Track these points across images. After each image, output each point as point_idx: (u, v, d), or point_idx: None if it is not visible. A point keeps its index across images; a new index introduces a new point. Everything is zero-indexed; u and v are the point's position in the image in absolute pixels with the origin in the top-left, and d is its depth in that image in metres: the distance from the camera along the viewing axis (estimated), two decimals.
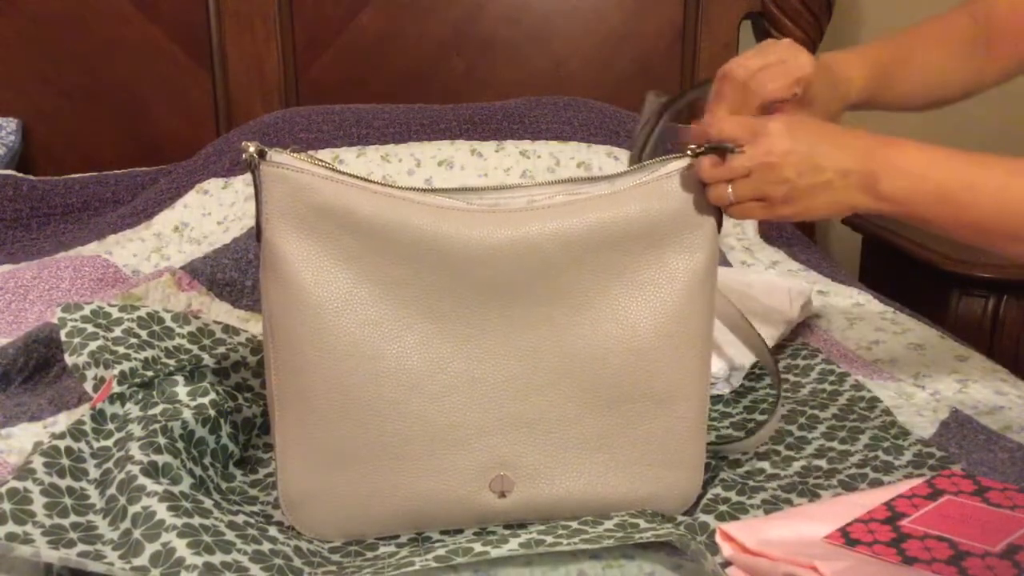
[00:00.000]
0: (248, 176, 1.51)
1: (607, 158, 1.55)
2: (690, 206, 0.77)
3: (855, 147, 0.79)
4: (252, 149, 0.72)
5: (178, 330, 0.97)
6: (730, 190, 0.78)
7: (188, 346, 0.96)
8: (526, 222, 0.74)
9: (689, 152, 0.78)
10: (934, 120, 1.97)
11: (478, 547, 0.70)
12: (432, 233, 0.72)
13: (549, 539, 0.71)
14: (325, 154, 1.52)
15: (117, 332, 0.93)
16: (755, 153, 0.77)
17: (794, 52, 0.86)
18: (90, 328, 0.93)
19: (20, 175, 1.58)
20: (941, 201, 0.80)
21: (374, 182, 0.74)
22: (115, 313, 0.95)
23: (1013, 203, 0.79)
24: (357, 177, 0.74)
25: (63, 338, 0.92)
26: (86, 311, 0.95)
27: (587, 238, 0.74)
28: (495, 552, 0.69)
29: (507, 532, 0.74)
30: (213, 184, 1.51)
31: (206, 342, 0.98)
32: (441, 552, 0.70)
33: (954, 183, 0.80)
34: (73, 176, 1.62)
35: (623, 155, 1.57)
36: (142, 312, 0.96)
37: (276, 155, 0.73)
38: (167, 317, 0.98)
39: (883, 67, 0.97)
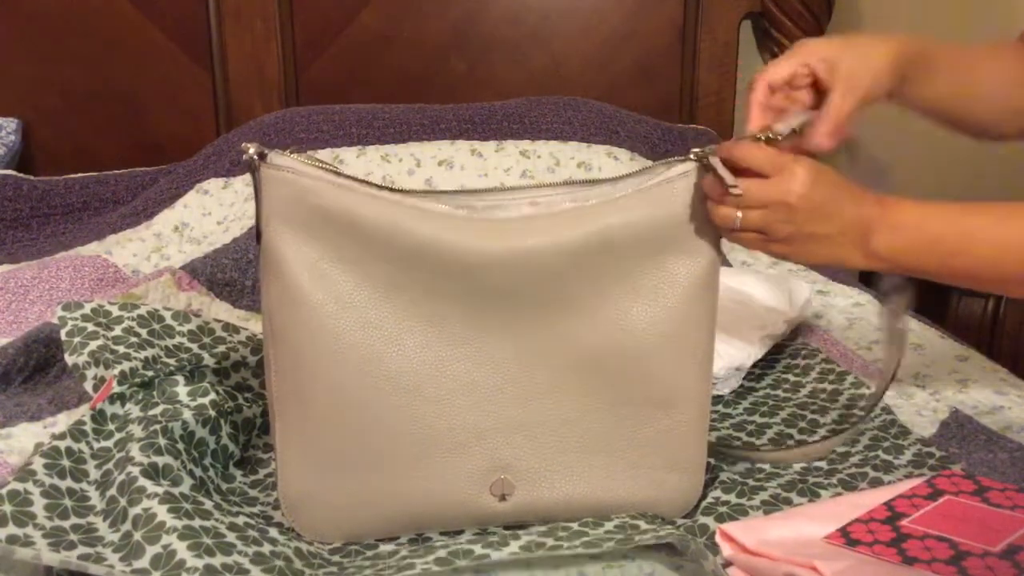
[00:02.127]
0: (248, 176, 1.50)
1: (607, 158, 1.55)
2: (693, 211, 0.76)
3: (857, 206, 0.80)
4: (252, 151, 0.72)
5: (178, 328, 0.97)
6: (739, 215, 0.78)
7: (188, 344, 0.96)
8: (527, 234, 0.73)
9: (692, 156, 0.77)
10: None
11: (478, 549, 0.70)
12: (432, 241, 0.72)
13: (549, 541, 0.71)
14: (325, 154, 1.51)
15: (117, 331, 0.93)
16: (775, 189, 0.77)
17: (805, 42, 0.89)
18: (90, 327, 0.92)
19: (20, 175, 1.58)
20: (936, 254, 0.81)
21: (375, 185, 0.74)
22: (115, 312, 0.95)
23: (1008, 248, 0.81)
24: (358, 180, 0.73)
25: (63, 337, 0.92)
26: (86, 310, 0.95)
27: (588, 247, 0.74)
28: (495, 555, 0.69)
29: (507, 533, 0.74)
30: (213, 184, 1.51)
31: (206, 340, 0.98)
32: (442, 554, 0.70)
33: (949, 234, 0.81)
34: (73, 176, 1.62)
35: (623, 155, 1.57)
36: (142, 311, 0.96)
37: (276, 157, 0.72)
38: (167, 315, 0.98)
39: (917, 49, 0.92)
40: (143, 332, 0.94)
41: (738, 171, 0.78)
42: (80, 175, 1.63)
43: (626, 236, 0.74)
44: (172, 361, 0.91)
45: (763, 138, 0.81)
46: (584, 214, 0.74)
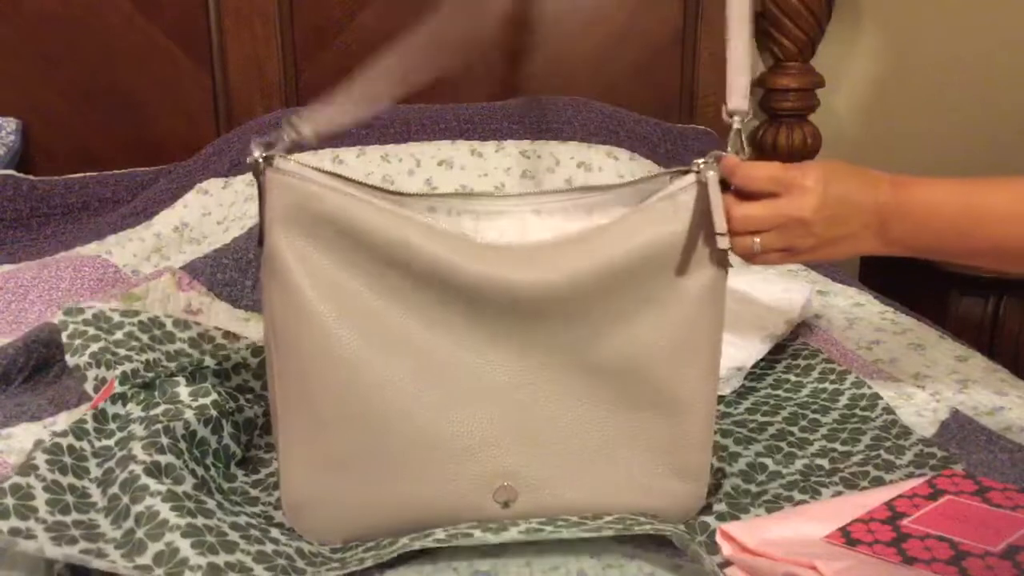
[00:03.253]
0: (248, 176, 1.51)
1: (607, 158, 1.55)
2: (699, 223, 0.75)
3: (873, 195, 0.79)
4: (258, 155, 0.72)
5: (179, 335, 0.98)
6: (757, 241, 0.77)
7: (189, 350, 0.97)
8: (533, 266, 0.72)
9: (694, 169, 0.76)
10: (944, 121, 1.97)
11: (477, 533, 0.70)
12: (436, 260, 0.71)
13: (549, 528, 0.71)
14: (325, 154, 1.52)
15: (119, 335, 0.93)
16: (788, 207, 0.76)
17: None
18: (91, 331, 0.93)
19: (20, 175, 1.58)
20: (950, 234, 0.80)
21: (380, 189, 0.73)
22: (116, 317, 0.96)
23: (1019, 223, 0.80)
24: (363, 185, 0.73)
25: (64, 340, 0.92)
26: (87, 315, 0.95)
27: (597, 275, 0.73)
28: (494, 539, 0.69)
29: (507, 521, 0.74)
30: (213, 184, 1.51)
31: (206, 347, 0.98)
32: (441, 535, 0.70)
33: (962, 214, 0.80)
34: (73, 176, 1.62)
35: (623, 155, 1.57)
36: (143, 317, 0.97)
37: (282, 162, 0.72)
38: (168, 322, 0.98)
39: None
40: (144, 337, 0.95)
41: (747, 193, 0.77)
42: (80, 175, 1.63)
43: (633, 260, 0.74)
44: (173, 365, 0.91)
45: (738, 126, 0.79)
46: (591, 244, 0.74)
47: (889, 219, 0.79)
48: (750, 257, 0.79)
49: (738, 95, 0.81)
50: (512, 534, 0.70)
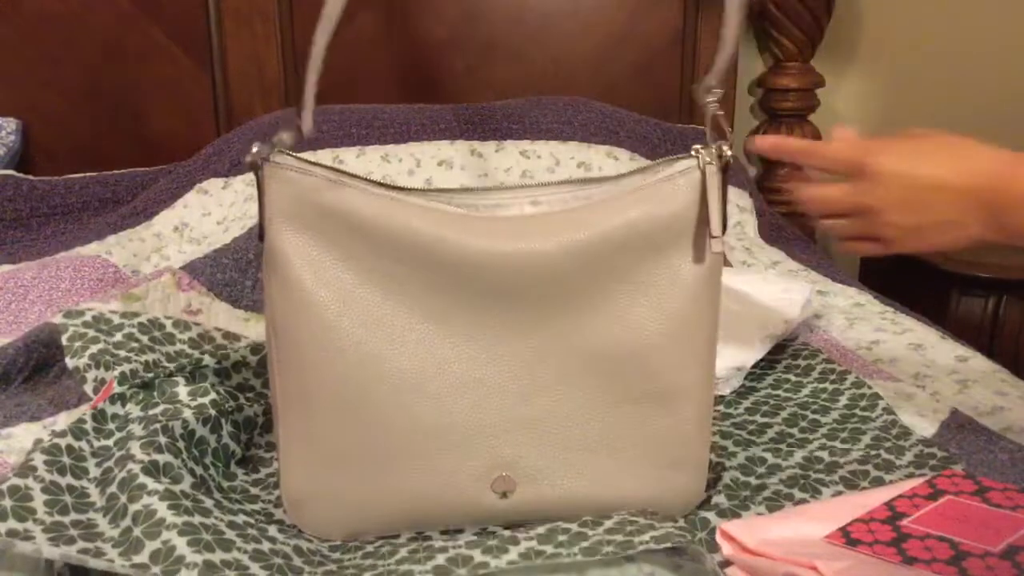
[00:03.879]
0: (248, 176, 1.51)
1: (607, 158, 1.55)
2: (694, 209, 0.75)
3: (974, 175, 0.69)
4: (256, 149, 0.72)
5: (179, 336, 0.98)
6: (836, 224, 0.72)
7: (189, 351, 0.97)
8: (529, 235, 0.73)
9: (694, 154, 0.75)
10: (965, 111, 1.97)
11: (478, 556, 0.70)
12: (434, 239, 0.72)
13: (549, 548, 0.71)
14: (325, 154, 1.52)
15: (118, 336, 0.93)
16: (853, 194, 0.71)
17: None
18: (91, 332, 0.93)
19: (20, 175, 1.58)
20: None
21: (377, 183, 0.74)
22: (116, 319, 0.96)
23: None
24: (360, 178, 0.74)
25: (64, 342, 0.92)
26: (87, 317, 0.95)
27: (591, 247, 0.73)
28: (494, 563, 0.69)
29: (507, 536, 0.74)
30: (213, 184, 1.51)
31: (207, 347, 0.98)
32: (441, 561, 0.70)
33: None
34: (73, 176, 1.62)
35: (623, 155, 1.57)
36: (143, 318, 0.97)
37: (279, 156, 0.73)
38: (168, 323, 0.98)
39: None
40: (144, 338, 0.95)
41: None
42: (80, 175, 1.63)
43: (629, 236, 0.74)
44: (172, 366, 0.91)
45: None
46: (586, 215, 0.74)
47: (1003, 207, 0.68)
48: (839, 241, 0.72)
49: (718, 74, 0.75)
50: (512, 556, 0.70)
